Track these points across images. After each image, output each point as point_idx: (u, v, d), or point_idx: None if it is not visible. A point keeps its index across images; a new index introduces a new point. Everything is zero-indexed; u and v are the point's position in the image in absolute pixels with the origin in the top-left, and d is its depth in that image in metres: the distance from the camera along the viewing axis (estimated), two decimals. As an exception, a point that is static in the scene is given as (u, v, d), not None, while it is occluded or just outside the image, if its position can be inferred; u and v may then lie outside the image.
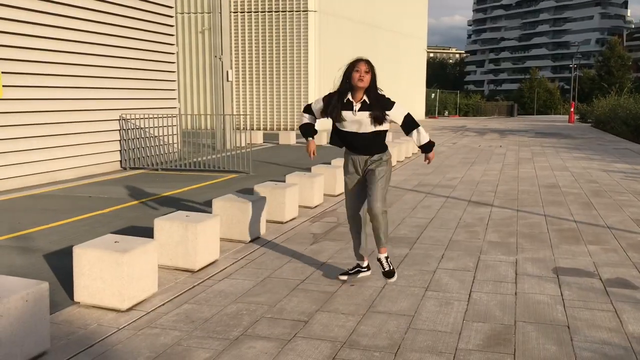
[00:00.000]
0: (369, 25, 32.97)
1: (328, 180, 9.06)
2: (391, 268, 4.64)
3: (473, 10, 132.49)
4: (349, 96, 4.46)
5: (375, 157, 4.57)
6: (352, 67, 4.38)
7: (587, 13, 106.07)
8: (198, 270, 5.17)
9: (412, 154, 15.99)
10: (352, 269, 4.95)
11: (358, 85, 4.35)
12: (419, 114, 43.33)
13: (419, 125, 4.62)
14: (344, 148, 4.74)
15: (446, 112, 57.36)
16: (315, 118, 4.78)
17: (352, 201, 4.78)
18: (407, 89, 39.81)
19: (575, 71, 52.81)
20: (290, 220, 7.25)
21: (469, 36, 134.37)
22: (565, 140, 21.55)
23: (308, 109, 4.77)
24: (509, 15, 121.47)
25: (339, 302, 4.45)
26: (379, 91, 4.47)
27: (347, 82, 4.39)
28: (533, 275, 5.12)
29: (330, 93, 4.58)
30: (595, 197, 9.21)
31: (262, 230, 6.48)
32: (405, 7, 38.59)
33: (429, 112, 50.79)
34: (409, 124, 4.59)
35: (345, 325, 4.00)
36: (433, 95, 53.97)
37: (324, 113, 4.62)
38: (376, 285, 4.84)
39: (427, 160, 4.82)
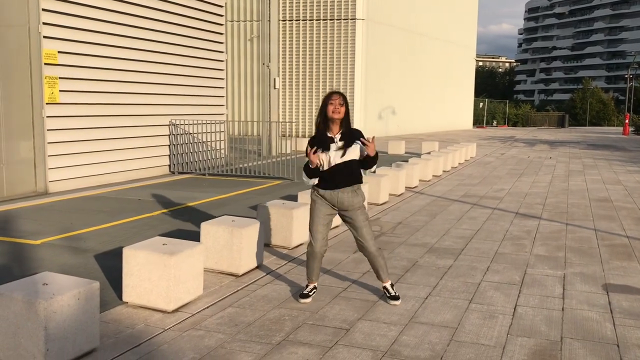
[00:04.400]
0: (417, 34, 32.80)
1: (372, 189, 9.04)
2: (396, 294, 4.70)
3: (524, 19, 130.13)
4: (327, 132, 4.54)
5: (356, 191, 4.57)
6: (326, 100, 4.53)
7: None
8: (242, 275, 5.25)
9: (459, 164, 15.80)
10: (311, 290, 4.77)
11: (333, 117, 4.48)
12: (466, 124, 42.79)
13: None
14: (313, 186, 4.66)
15: (494, 122, 56.48)
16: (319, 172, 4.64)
17: (322, 228, 4.63)
18: (455, 97, 39.41)
19: (630, 82, 51.14)
20: (334, 227, 7.27)
21: (520, 45, 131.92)
22: (619, 153, 20.90)
23: (308, 171, 4.62)
24: (561, 24, 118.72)
25: (380, 311, 4.44)
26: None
27: (323, 115, 4.52)
28: (581, 291, 4.99)
29: (312, 139, 4.62)
30: (650, 212, 8.90)
31: (306, 236, 6.52)
32: (454, 15, 38.25)
33: (477, 122, 50.14)
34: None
35: (387, 334, 3.99)
36: (481, 104, 53.25)
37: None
38: (419, 295, 4.81)
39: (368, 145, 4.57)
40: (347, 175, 4.55)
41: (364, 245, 4.63)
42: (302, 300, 4.67)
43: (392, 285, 4.74)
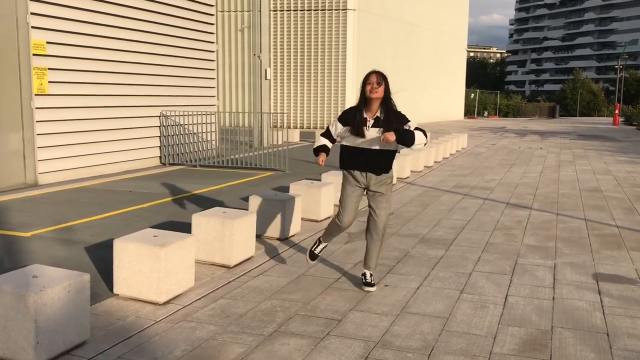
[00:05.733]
0: (409, 24, 32.75)
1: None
2: (372, 281, 4.74)
3: (515, 9, 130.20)
4: (364, 112, 4.44)
5: (382, 176, 4.53)
6: (364, 80, 4.40)
7: (635, 12, 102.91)
8: (234, 266, 5.24)
9: (450, 154, 15.84)
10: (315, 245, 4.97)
11: (371, 97, 4.34)
12: (457, 115, 42.86)
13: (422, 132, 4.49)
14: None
15: (485, 113, 56.58)
16: (333, 141, 4.68)
17: (351, 210, 4.60)
18: (446, 88, 39.43)
19: (621, 72, 51.34)
20: (326, 218, 7.27)
21: (511, 35, 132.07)
22: (609, 143, 21.01)
23: (326, 133, 4.67)
24: (552, 15, 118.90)
25: (372, 301, 4.45)
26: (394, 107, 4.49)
27: (362, 96, 4.42)
28: (572, 281, 5.02)
29: (346, 110, 4.56)
30: None
31: (298, 228, 6.52)
32: (445, 5, 38.20)
33: (468, 113, 50.19)
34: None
35: (378, 325, 4.00)
36: (472, 95, 53.30)
37: (347, 127, 4.53)
38: (410, 286, 4.82)
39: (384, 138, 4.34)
40: (372, 163, 4.47)
41: (376, 221, 4.54)
42: (311, 262, 4.94)
43: (371, 275, 4.75)
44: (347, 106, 29.71)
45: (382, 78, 4.36)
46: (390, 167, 4.59)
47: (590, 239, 6.57)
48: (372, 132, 4.41)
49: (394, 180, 10.36)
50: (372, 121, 4.41)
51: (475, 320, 4.11)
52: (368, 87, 4.35)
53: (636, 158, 15.78)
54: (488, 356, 3.54)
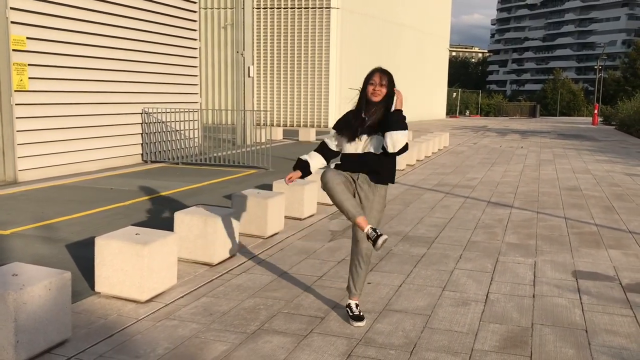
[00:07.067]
0: (392, 23, 32.86)
1: (347, 178, 9.04)
2: (361, 314, 4.03)
3: (497, 10, 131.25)
4: (362, 114, 3.96)
5: (378, 186, 3.97)
6: (367, 79, 3.95)
7: (614, 14, 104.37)
8: (217, 264, 5.22)
9: (432, 153, 15.93)
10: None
11: (372, 100, 3.89)
12: (439, 114, 43.12)
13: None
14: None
15: (467, 112, 57.00)
16: (330, 156, 4.14)
17: (354, 200, 3.82)
18: (429, 87, 39.64)
19: (600, 73, 52.05)
20: (309, 217, 7.28)
21: (492, 35, 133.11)
22: (588, 143, 21.29)
23: (321, 148, 4.15)
24: (533, 15, 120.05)
25: (355, 299, 4.46)
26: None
27: (362, 97, 3.95)
28: (552, 278, 5.08)
29: (344, 115, 4.10)
30: (618, 200, 9.10)
31: (281, 226, 6.52)
32: (428, 5, 38.38)
33: (450, 112, 50.54)
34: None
35: (361, 322, 4.01)
36: (454, 94, 53.64)
37: (340, 133, 4.03)
38: (393, 283, 4.85)
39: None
40: (370, 166, 3.92)
41: (359, 240, 3.94)
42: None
43: (357, 306, 4.08)
44: (330, 104, 29.32)
45: (386, 78, 3.90)
46: (392, 179, 4.00)
47: (569, 237, 6.66)
48: (363, 138, 3.93)
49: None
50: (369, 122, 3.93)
51: (457, 317, 4.15)
52: (370, 88, 3.89)
53: (614, 157, 16.01)
54: (469, 353, 3.58)
